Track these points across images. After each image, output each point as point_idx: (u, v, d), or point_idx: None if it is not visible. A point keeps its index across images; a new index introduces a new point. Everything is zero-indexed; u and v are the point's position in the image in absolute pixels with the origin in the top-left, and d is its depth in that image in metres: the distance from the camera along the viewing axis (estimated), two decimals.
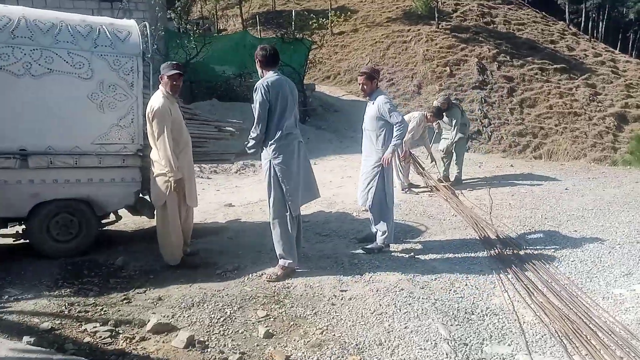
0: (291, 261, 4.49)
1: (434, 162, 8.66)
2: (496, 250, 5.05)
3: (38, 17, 4.74)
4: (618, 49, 33.77)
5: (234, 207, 7.36)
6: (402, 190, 7.91)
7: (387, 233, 5.07)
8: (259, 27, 27.78)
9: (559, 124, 22.15)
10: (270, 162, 4.43)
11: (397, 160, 7.93)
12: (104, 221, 5.40)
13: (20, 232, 5.01)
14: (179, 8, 14.87)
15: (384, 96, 5.11)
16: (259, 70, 4.56)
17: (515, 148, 20.68)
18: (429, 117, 8.12)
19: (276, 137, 4.39)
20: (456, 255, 5.00)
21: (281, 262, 4.51)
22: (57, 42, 4.69)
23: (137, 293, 4.20)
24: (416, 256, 4.93)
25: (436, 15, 26.52)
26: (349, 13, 28.31)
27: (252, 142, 4.52)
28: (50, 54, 4.64)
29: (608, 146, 21.83)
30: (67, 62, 4.70)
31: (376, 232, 5.19)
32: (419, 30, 26.54)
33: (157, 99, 4.53)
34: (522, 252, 5.02)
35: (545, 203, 7.02)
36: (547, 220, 6.17)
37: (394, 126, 4.91)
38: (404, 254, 4.99)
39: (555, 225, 5.98)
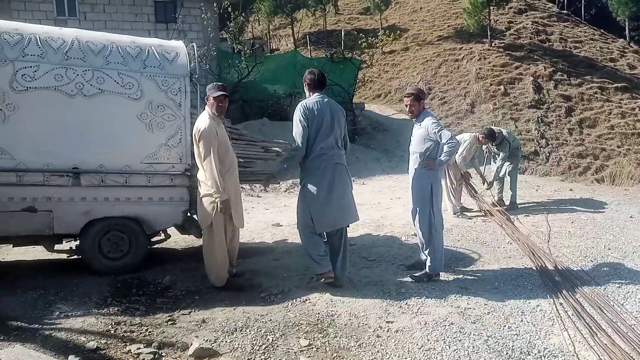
0: (324, 271, 4.55)
1: (487, 185, 8.36)
2: (555, 284, 4.72)
3: (90, 39, 4.88)
4: None
5: (281, 227, 7.31)
6: (454, 214, 7.65)
7: (436, 260, 4.85)
8: (309, 47, 28.09)
9: (622, 145, 21.08)
10: (300, 181, 4.64)
11: (448, 182, 7.69)
12: (153, 239, 5.46)
13: (74, 248, 5.12)
14: (232, 29, 15.19)
15: (432, 117, 4.94)
16: (307, 93, 4.72)
17: (575, 170, 19.79)
18: (480, 139, 7.85)
19: (309, 158, 4.54)
20: (511, 287, 4.71)
21: (317, 270, 4.63)
22: (108, 63, 4.81)
23: (182, 314, 4.16)
24: (468, 287, 4.68)
25: (489, 33, 26.03)
26: (399, 32, 28.20)
27: (285, 158, 4.76)
28: (102, 75, 4.76)
29: None
30: (117, 82, 4.80)
31: (425, 259, 4.98)
32: (471, 48, 26.10)
33: (203, 120, 4.53)
34: (583, 287, 4.67)
35: (608, 232, 6.58)
36: (610, 251, 5.76)
37: (445, 144, 4.72)
38: (454, 284, 4.75)
39: (620, 257, 5.57)
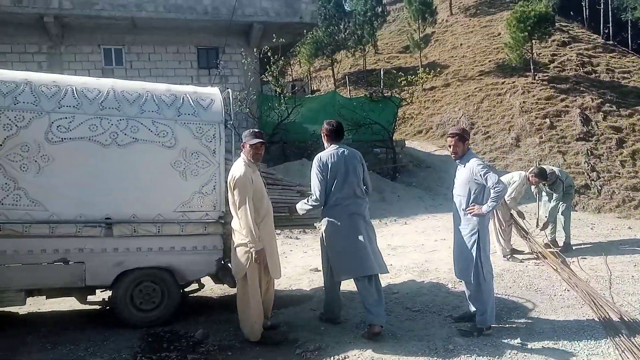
0: (330, 314, 4.89)
1: (540, 226, 7.86)
2: (622, 338, 4.23)
3: (126, 89, 4.88)
4: None
5: (319, 273, 6.99)
6: (504, 257, 7.18)
7: (486, 313, 4.46)
8: (348, 87, 28.29)
9: None
10: (320, 228, 4.80)
11: (497, 222, 7.27)
12: (186, 289, 5.30)
13: (106, 299, 5.01)
14: (273, 72, 15.40)
15: (477, 158, 4.64)
16: (325, 144, 4.83)
17: (630, 203, 18.78)
18: (531, 178, 7.42)
19: (325, 208, 4.69)
20: (572, 342, 4.25)
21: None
22: (143, 112, 4.77)
23: None
24: (523, 342, 4.24)
25: (532, 66, 25.54)
26: (439, 69, 28.09)
27: (307, 207, 4.79)
28: (136, 124, 4.72)
29: None
30: (151, 131, 4.75)
31: (474, 310, 4.60)
32: (514, 82, 25.63)
33: (238, 167, 4.40)
34: None
35: None
36: None
37: (492, 188, 4.40)
38: (508, 339, 4.32)
39: None
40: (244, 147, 4.51)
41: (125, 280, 4.79)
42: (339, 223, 4.58)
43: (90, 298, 5.01)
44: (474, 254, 4.51)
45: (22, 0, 13.66)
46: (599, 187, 19.25)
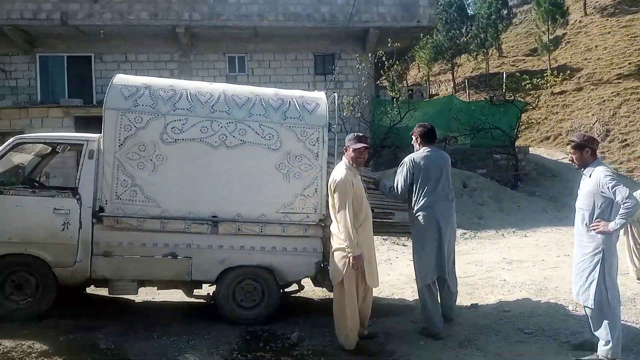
0: (432, 328, 4.68)
1: None
2: None
3: (236, 93, 5.04)
4: None
5: None
6: (638, 279, 6.35)
7: (611, 343, 3.92)
8: (468, 91, 27.23)
9: None
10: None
11: (631, 240, 6.46)
12: (287, 290, 5.34)
13: (210, 294, 5.20)
14: (390, 76, 15.26)
15: (604, 167, 4.09)
16: (416, 146, 4.93)
17: None
18: None
19: (416, 208, 4.74)
20: None
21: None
22: (251, 115, 4.89)
23: None
24: None
25: None
26: (570, 72, 26.03)
27: (386, 189, 5.00)
28: (244, 127, 4.85)
29: None
30: (258, 133, 4.85)
31: (597, 340, 4.07)
32: None
33: (340, 171, 4.34)
34: None
35: None
36: None
37: (621, 203, 3.85)
38: None
39: None
40: (346, 151, 4.45)
41: (228, 277, 4.93)
42: (429, 226, 4.69)
43: (196, 292, 5.22)
44: (597, 276, 4.00)
45: (158, 14, 14.93)
46: None
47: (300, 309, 5.48)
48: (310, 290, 5.96)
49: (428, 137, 4.88)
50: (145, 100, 4.80)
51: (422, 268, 4.74)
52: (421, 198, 4.69)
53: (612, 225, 3.92)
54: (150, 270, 4.82)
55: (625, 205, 3.83)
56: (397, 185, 4.81)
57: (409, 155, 4.83)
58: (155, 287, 5.25)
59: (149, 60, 16.22)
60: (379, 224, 5.36)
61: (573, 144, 4.24)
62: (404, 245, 9.43)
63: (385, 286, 6.57)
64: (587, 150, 4.18)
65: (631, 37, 29.34)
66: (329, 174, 4.92)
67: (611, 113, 22.24)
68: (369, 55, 15.05)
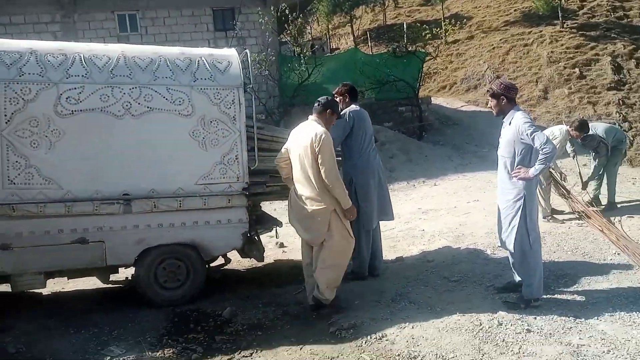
0: (362, 272, 5.07)
1: (581, 185, 7.39)
2: None
3: (137, 54, 4.54)
4: None
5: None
6: (544, 218, 6.77)
7: (534, 284, 4.12)
8: (370, 43, 27.41)
9: None
10: (352, 179, 4.94)
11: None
12: (212, 265, 5.08)
13: (130, 278, 4.82)
14: (291, 31, 14.83)
15: (522, 114, 4.17)
16: (341, 105, 4.92)
17: None
18: (572, 132, 6.92)
19: (353, 161, 4.98)
20: (630, 313, 3.90)
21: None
22: (156, 79, 4.44)
23: (243, 357, 3.71)
24: (577, 315, 3.91)
25: (560, 14, 24.28)
26: (464, 20, 26.97)
27: None
28: (150, 92, 4.40)
29: None
30: (166, 98, 4.43)
31: (519, 280, 4.26)
32: (541, 31, 24.46)
33: (319, 127, 4.16)
34: None
35: None
36: None
37: (540, 149, 3.97)
38: (559, 312, 3.99)
39: None
40: (329, 115, 4.32)
41: (147, 258, 4.56)
42: (371, 176, 4.97)
43: (113, 277, 4.82)
44: (518, 221, 4.14)
45: None
46: (631, 138, 18.51)
47: (228, 283, 5.26)
48: (236, 262, 5.74)
49: (354, 94, 5.13)
50: (32, 68, 4.18)
51: (368, 214, 4.92)
52: (362, 151, 4.96)
53: (532, 171, 4.03)
54: (58, 259, 4.30)
55: (543, 150, 3.93)
56: (335, 138, 4.55)
57: (348, 109, 4.99)
58: (66, 277, 4.76)
59: (27, 22, 14.44)
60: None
61: (490, 92, 4.32)
62: None
63: None
64: (502, 99, 4.24)
65: None
66: (250, 138, 4.66)
67: (500, 60, 23.45)
68: (271, 8, 14.47)
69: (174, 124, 4.49)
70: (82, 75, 4.31)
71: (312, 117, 4.31)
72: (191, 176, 4.56)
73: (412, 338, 3.72)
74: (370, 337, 3.81)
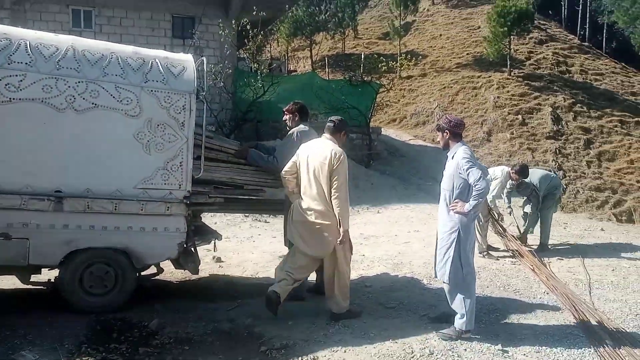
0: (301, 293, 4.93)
1: (519, 233, 7.66)
2: (606, 349, 4.02)
3: (87, 48, 4.35)
4: None
5: None
6: (480, 253, 6.95)
7: (466, 316, 4.17)
8: (327, 69, 27.78)
9: None
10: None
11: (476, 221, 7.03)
12: (143, 273, 4.86)
13: (52, 280, 4.53)
14: (251, 47, 14.79)
15: (464, 149, 4.29)
16: (290, 123, 5.04)
17: (593, 203, 19.11)
18: (512, 175, 7.20)
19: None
20: (555, 350, 4.01)
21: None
22: (105, 75, 4.26)
23: None
24: (504, 349, 3.98)
25: (508, 62, 25.57)
26: (419, 57, 27.87)
27: (264, 161, 4.86)
28: (97, 88, 4.21)
29: None
30: (113, 96, 4.26)
31: (454, 312, 4.32)
32: (490, 76, 25.65)
33: (337, 147, 4.38)
34: None
35: None
36: None
37: (474, 185, 4.07)
38: (489, 344, 4.05)
39: None
40: (343, 136, 4.54)
41: (74, 261, 4.32)
42: None
43: (34, 278, 4.52)
44: (452, 254, 4.21)
45: None
46: (564, 186, 19.50)
47: (158, 294, 5.05)
48: (168, 272, 5.53)
49: (304, 114, 5.08)
50: None
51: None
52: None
53: (467, 206, 4.13)
54: None
55: (476, 187, 4.04)
56: (283, 157, 4.69)
57: (296, 128, 4.92)
58: None
59: None
60: (250, 202, 5.14)
61: (438, 127, 4.48)
62: (265, 222, 9.30)
63: (250, 265, 6.38)
64: (446, 133, 4.38)
65: (470, 29, 32.26)
66: (196, 146, 4.54)
67: (450, 99, 24.34)
68: (233, 22, 14.41)
69: (119, 123, 4.31)
70: (26, 63, 4.08)
71: (327, 136, 4.48)
72: (131, 179, 4.37)
73: None
74: (301, 359, 3.72)
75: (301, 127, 4.98)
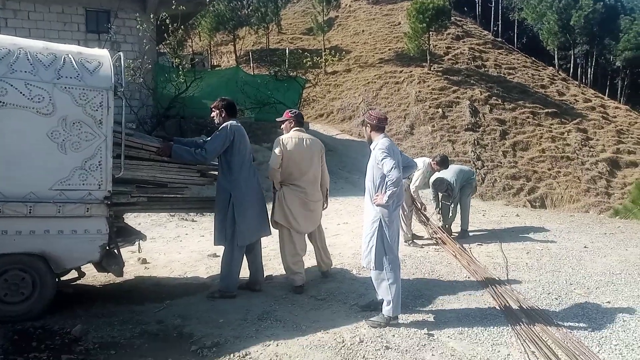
0: (232, 289, 5.02)
1: (441, 223, 7.96)
2: (522, 326, 4.30)
3: None
4: (607, 95, 34.10)
5: (218, 258, 6.51)
6: (405, 242, 7.19)
7: (392, 302, 4.31)
8: (252, 64, 27.55)
9: (552, 168, 21.92)
10: (230, 194, 4.89)
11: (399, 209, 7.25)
12: (63, 278, 4.63)
13: None
14: (171, 42, 14.37)
15: (383, 141, 4.40)
16: (217, 119, 5.09)
17: (509, 191, 20.30)
18: (433, 166, 7.49)
19: (236, 175, 4.92)
20: (476, 331, 4.25)
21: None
22: (13, 72, 4.00)
23: None
24: (430, 332, 4.16)
25: (428, 57, 26.56)
26: (343, 53, 28.26)
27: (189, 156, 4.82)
28: (4, 85, 3.95)
29: (602, 192, 21.55)
30: (23, 94, 4.00)
31: (381, 299, 4.45)
32: (411, 72, 26.52)
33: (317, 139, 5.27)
34: (553, 329, 4.27)
35: (566, 264, 6.28)
36: (573, 287, 5.42)
37: (387, 175, 4.20)
38: (415, 329, 4.22)
39: (584, 293, 5.24)
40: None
41: None
42: (249, 192, 4.98)
43: None
44: (375, 242, 4.35)
45: None
46: (483, 175, 20.57)
47: (80, 299, 4.82)
48: (91, 276, 5.30)
49: (232, 110, 5.11)
50: None
51: (243, 230, 4.92)
52: (242, 166, 4.94)
53: (384, 199, 4.26)
54: None
55: (389, 177, 4.18)
56: (214, 149, 4.83)
57: (228, 123, 4.95)
58: None
59: None
60: (175, 201, 5.02)
61: (362, 122, 4.57)
62: (193, 220, 9.10)
63: (177, 265, 6.24)
64: (367, 126, 4.52)
65: (391, 25, 33.12)
66: (116, 144, 4.37)
67: (374, 94, 24.92)
68: (151, 16, 13.92)
69: (30, 122, 4.06)
70: None
71: (299, 129, 5.28)
72: (45, 180, 4.14)
73: (276, 356, 3.70)
74: (233, 356, 3.71)
75: (232, 122, 5.00)
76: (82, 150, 4.22)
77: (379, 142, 4.41)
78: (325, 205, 5.59)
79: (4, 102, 3.97)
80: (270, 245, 7.01)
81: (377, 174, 4.39)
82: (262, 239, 5.35)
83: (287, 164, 5.13)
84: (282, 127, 5.42)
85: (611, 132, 25.57)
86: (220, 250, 6.77)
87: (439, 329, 4.26)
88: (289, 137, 5.21)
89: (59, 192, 4.17)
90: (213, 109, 5.12)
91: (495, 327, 4.31)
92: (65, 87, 4.17)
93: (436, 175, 7.77)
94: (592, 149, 23.77)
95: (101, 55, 4.54)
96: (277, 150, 5.08)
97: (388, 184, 4.21)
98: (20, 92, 4.02)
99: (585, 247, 7.17)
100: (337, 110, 23.95)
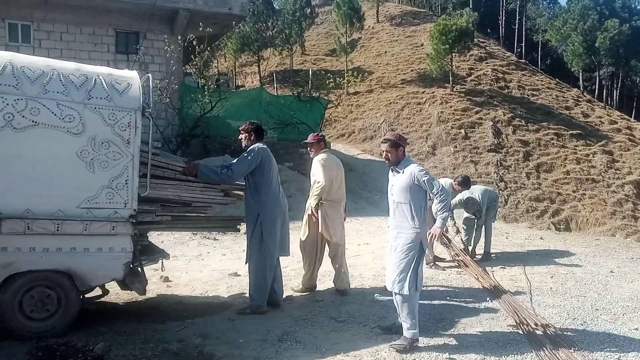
0: (263, 307, 5.13)
1: (458, 232, 7.90)
2: (546, 352, 4.21)
3: (27, 64, 4.21)
4: (633, 117, 33.54)
5: (239, 277, 6.59)
6: (427, 264, 7.12)
7: (416, 325, 4.26)
8: (275, 85, 27.89)
9: (577, 190, 21.51)
10: (258, 216, 5.07)
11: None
12: (87, 295, 4.70)
13: None
14: (197, 62, 14.68)
15: (416, 163, 4.44)
16: (245, 142, 5.23)
17: (533, 213, 19.96)
18: (455, 186, 7.45)
19: (264, 196, 5.07)
20: (499, 355, 4.17)
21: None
22: (46, 92, 4.14)
23: None
24: (451, 357, 4.10)
25: (451, 78, 26.53)
26: (365, 74, 28.44)
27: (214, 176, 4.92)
28: (37, 105, 4.08)
29: (628, 215, 21.04)
30: (55, 114, 4.13)
31: (401, 323, 4.40)
32: (433, 92, 26.50)
33: None
34: (577, 356, 4.17)
35: (592, 289, 6.16)
36: (599, 313, 5.31)
37: (436, 196, 4.22)
38: (437, 353, 4.16)
39: (610, 319, 5.12)
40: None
41: (14, 285, 4.13)
42: (278, 212, 5.18)
43: None
44: (412, 267, 4.29)
45: None
46: (506, 197, 20.31)
47: (104, 317, 4.88)
48: (114, 293, 5.37)
49: (260, 134, 5.27)
50: None
51: (271, 250, 5.10)
52: (270, 187, 5.10)
53: (438, 225, 4.26)
54: None
55: (440, 196, 4.19)
56: (240, 170, 4.97)
57: (256, 145, 5.10)
58: None
59: None
60: (198, 219, 5.08)
61: (389, 142, 4.45)
62: (214, 239, 9.17)
63: (198, 284, 6.28)
64: (401, 149, 4.47)
65: (414, 46, 33.24)
66: (142, 163, 4.46)
67: (396, 114, 24.94)
68: (178, 38, 14.28)
69: (61, 141, 4.18)
70: None
71: (326, 149, 5.84)
72: (74, 199, 4.24)
73: None
74: None
75: (260, 145, 5.16)
76: (110, 169, 4.32)
77: (415, 164, 4.40)
78: (344, 217, 6.03)
79: (36, 122, 4.10)
80: (290, 265, 7.03)
81: (415, 194, 4.32)
82: (282, 259, 5.46)
83: (329, 182, 5.57)
84: (310, 149, 5.83)
85: (638, 154, 25.06)
86: (241, 269, 6.84)
87: (460, 353, 4.19)
88: (325, 157, 5.65)
89: (87, 210, 4.27)
90: (242, 132, 5.26)
91: (519, 353, 4.23)
92: (96, 108, 4.29)
93: (460, 195, 7.72)
94: (618, 172, 23.30)
95: (130, 76, 4.67)
96: (326, 169, 5.56)
97: (439, 205, 4.24)
98: (52, 112, 4.15)
99: (611, 271, 7.01)
100: (359, 130, 24.00)
